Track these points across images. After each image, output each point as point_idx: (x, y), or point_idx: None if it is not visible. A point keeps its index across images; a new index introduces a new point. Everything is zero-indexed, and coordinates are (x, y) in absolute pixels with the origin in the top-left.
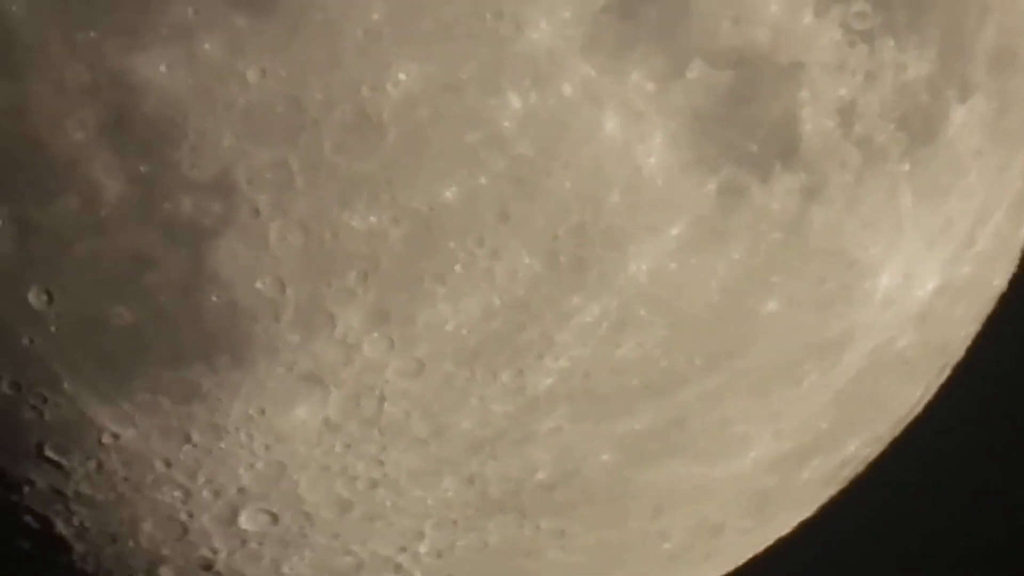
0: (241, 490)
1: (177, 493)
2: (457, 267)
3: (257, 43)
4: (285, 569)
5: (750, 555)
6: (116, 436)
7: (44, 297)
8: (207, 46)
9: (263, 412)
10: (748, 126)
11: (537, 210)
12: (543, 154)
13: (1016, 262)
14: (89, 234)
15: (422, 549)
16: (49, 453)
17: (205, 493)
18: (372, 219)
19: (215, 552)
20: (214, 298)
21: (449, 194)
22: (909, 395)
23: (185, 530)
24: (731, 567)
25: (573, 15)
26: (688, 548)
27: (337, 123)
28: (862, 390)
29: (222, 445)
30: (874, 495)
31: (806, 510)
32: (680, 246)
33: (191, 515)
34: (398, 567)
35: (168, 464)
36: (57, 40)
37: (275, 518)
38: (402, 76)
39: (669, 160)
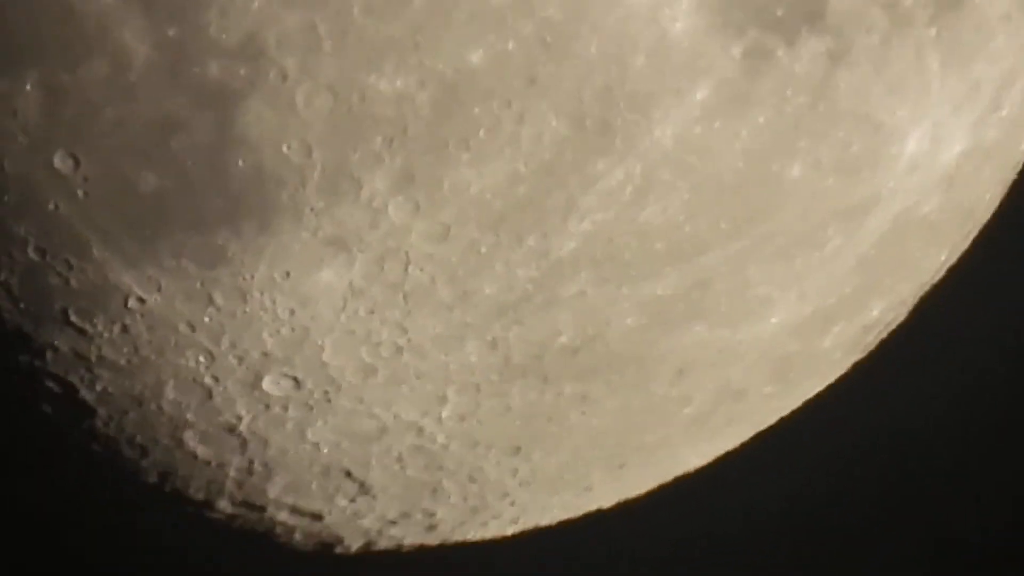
0: (265, 354)
1: (201, 357)
2: (482, 131)
3: None
4: (309, 433)
5: (773, 421)
6: (141, 300)
7: (71, 162)
8: None
9: (287, 276)
10: None
11: (564, 74)
12: (570, 17)
13: None
14: (117, 98)
15: (444, 413)
16: (73, 318)
17: (229, 358)
18: (399, 83)
19: (239, 417)
20: (240, 162)
21: (476, 58)
22: (933, 259)
23: (209, 394)
24: (753, 432)
25: None
26: (710, 413)
27: None
28: (886, 254)
29: (246, 309)
30: None
31: (829, 376)
32: (705, 110)
33: (215, 379)
34: (421, 430)
35: (192, 328)
36: None
37: (298, 383)
38: None
39: (695, 23)
